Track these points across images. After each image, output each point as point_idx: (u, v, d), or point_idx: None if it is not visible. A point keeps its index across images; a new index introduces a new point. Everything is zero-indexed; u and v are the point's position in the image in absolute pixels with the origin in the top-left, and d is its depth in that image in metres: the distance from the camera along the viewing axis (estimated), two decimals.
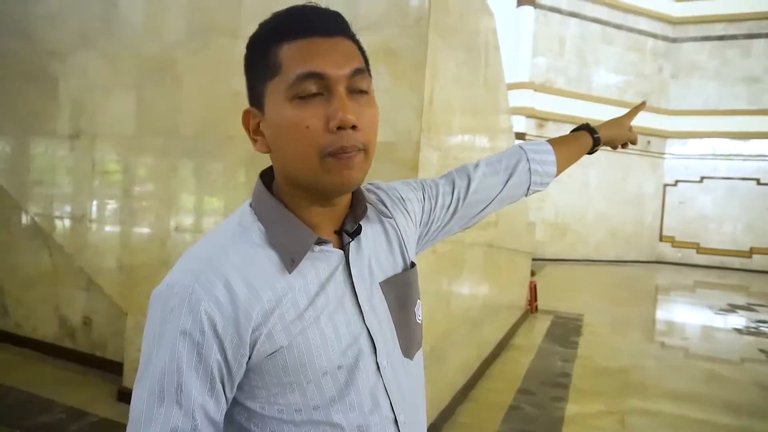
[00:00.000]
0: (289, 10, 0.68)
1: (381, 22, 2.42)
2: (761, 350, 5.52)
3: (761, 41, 14.86)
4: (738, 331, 6.49)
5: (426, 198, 0.91)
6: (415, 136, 2.33)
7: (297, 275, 0.67)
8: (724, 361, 5.09)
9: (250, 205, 0.72)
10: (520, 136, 13.17)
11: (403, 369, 0.75)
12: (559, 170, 1.07)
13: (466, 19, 3.07)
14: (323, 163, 0.65)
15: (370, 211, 0.79)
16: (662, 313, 8.18)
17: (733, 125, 14.91)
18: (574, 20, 14.21)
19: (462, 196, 0.94)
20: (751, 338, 6.08)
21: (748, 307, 8.40)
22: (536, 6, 13.61)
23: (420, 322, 0.82)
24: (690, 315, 7.84)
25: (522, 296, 6.09)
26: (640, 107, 1.24)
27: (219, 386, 0.63)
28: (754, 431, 3.37)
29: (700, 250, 15.17)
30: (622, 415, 3.47)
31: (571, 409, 3.46)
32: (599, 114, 14.11)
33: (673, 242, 15.40)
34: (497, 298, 4.53)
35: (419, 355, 0.81)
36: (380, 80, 2.35)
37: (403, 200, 0.88)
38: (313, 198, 0.70)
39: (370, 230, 0.78)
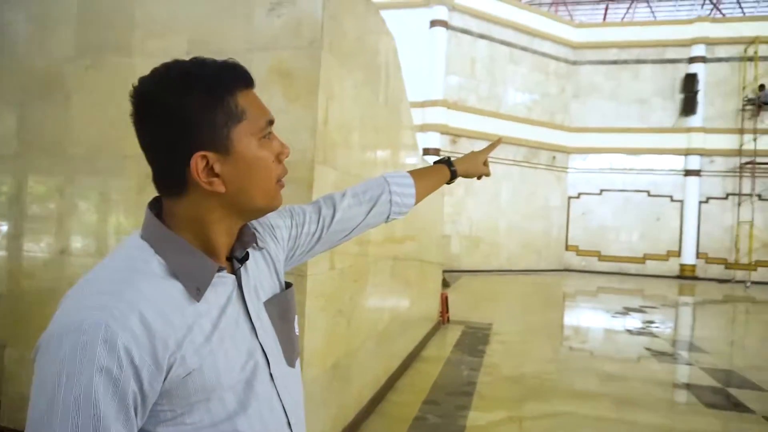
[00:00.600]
0: (227, 63, 0.75)
1: (275, 43, 2.45)
2: (647, 348, 6.01)
3: (648, 66, 16.32)
4: (629, 332, 7.02)
5: (293, 225, 1.00)
6: (310, 155, 2.36)
7: (203, 303, 0.72)
8: (618, 361, 5.49)
9: (142, 238, 0.74)
10: (435, 151, 13.60)
11: (289, 376, 0.84)
12: (417, 200, 1.18)
13: (364, 41, 3.16)
14: (276, 189, 0.79)
15: (250, 239, 0.85)
16: (568, 319, 8.69)
17: (626, 142, 16.22)
18: (483, 42, 14.93)
19: (326, 224, 1.03)
20: (641, 338, 6.60)
21: (640, 310, 9.12)
22: (448, 27, 14.18)
23: (297, 334, 0.92)
24: (592, 319, 8.39)
25: (433, 308, 6.25)
26: (495, 144, 1.37)
27: (132, 415, 0.64)
28: (642, 423, 3.65)
29: (601, 257, 16.28)
30: (521, 420, 3.65)
31: (474, 417, 3.59)
32: (509, 130, 14.89)
33: (578, 251, 16.42)
34: (407, 311, 4.63)
35: (298, 363, 0.91)
36: (276, 102, 2.37)
37: (272, 227, 0.96)
38: (236, 224, 0.80)
39: (252, 256, 0.85)
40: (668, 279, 15.33)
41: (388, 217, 1.14)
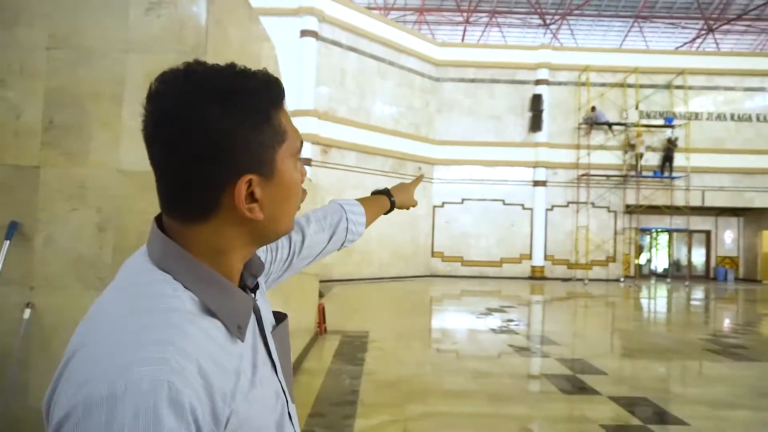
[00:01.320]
0: (265, 74, 0.65)
1: (154, 46, 2.30)
2: (509, 345, 6.55)
3: (501, 86, 17.86)
4: (493, 331, 7.59)
5: (268, 249, 0.95)
6: None
7: (243, 343, 0.63)
8: (485, 358, 5.90)
9: (161, 268, 0.61)
10: (306, 161, 13.54)
11: (294, 413, 0.77)
12: (365, 228, 1.20)
13: (247, 48, 3.08)
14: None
15: (259, 267, 0.76)
16: (437, 322, 9.15)
17: (484, 154, 17.57)
18: (353, 54, 15.25)
19: (297, 250, 1.00)
20: (503, 336, 7.17)
21: (500, 309, 9.90)
22: (318, 38, 14.26)
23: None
24: (459, 321, 8.91)
25: (311, 319, 6.21)
26: (418, 180, 1.45)
27: None
28: (513, 415, 3.96)
29: (464, 262, 17.40)
30: (405, 422, 3.77)
31: (360, 424, 3.63)
32: (378, 142, 15.36)
33: (443, 257, 17.38)
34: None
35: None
36: None
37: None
38: (251, 251, 0.70)
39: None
40: (522, 280, 16.84)
41: (342, 245, 1.14)
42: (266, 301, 0.80)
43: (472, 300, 11.74)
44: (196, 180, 0.60)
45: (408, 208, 1.38)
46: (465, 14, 25.12)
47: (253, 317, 0.68)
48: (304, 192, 0.72)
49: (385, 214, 1.31)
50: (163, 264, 0.62)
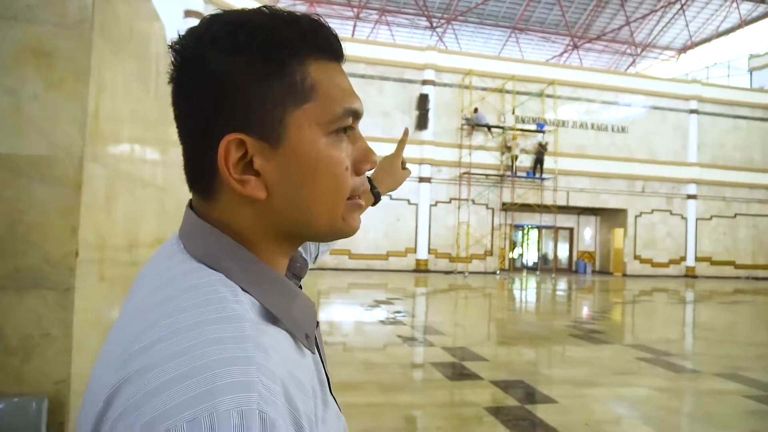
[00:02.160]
0: (312, 19, 0.52)
1: (30, 15, 2.06)
2: (398, 336, 6.77)
3: (390, 83, 18.27)
4: (382, 322, 7.79)
5: (306, 252, 0.87)
6: (77, 151, 2.06)
7: (311, 357, 0.53)
8: (375, 349, 6.04)
9: (207, 265, 0.49)
10: None
11: None
12: None
13: (135, 27, 2.87)
14: (345, 209, 0.53)
15: (303, 268, 0.65)
16: (324, 315, 9.16)
17: (374, 150, 17.83)
18: None
19: (313, 256, 0.94)
20: (391, 327, 7.39)
21: (387, 301, 10.18)
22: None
23: None
24: (346, 313, 9.01)
25: None
26: (404, 138, 1.18)
27: None
28: (403, 403, 4.10)
29: (351, 256, 17.60)
30: None
31: None
32: None
33: (330, 250, 17.43)
34: None
35: None
36: (29, 86, 2.00)
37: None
38: (287, 252, 0.56)
39: None
40: (407, 273, 17.42)
41: (316, 257, 1.01)
42: None
43: (360, 293, 11.92)
44: (189, 137, 0.51)
45: (400, 184, 1.18)
46: (355, 9, 25.31)
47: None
48: (363, 182, 0.55)
49: (372, 206, 1.10)
50: (209, 259, 0.49)
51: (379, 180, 1.12)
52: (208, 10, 13.64)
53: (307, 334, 0.52)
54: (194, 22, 10.25)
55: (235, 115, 0.48)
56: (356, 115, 0.53)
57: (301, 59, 0.50)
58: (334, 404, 0.56)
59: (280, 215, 0.52)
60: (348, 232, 0.55)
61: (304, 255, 0.68)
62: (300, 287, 0.60)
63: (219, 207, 0.51)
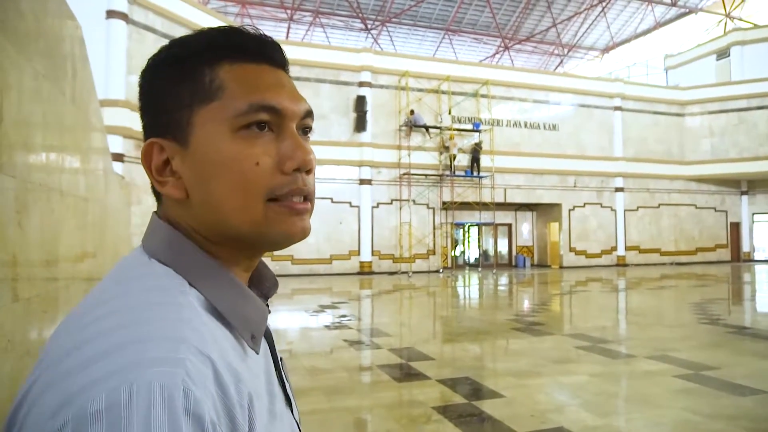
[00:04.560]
0: (233, 28, 0.55)
1: None
2: (344, 340, 6.70)
3: (326, 85, 18.14)
4: (327, 327, 7.69)
5: None
6: None
7: (256, 359, 0.52)
8: (321, 355, 5.93)
9: (159, 260, 0.51)
10: (117, 156, 12.23)
11: None
12: None
13: (44, 24, 2.66)
14: (268, 211, 0.52)
15: (272, 285, 0.64)
16: (269, 322, 8.94)
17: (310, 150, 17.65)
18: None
19: None
20: (336, 331, 7.30)
21: (332, 306, 10.07)
22: (129, 22, 12.96)
23: None
24: (291, 320, 8.84)
25: None
26: None
27: None
28: (349, 407, 4.03)
29: (294, 261, 17.34)
30: None
31: None
32: None
33: (272, 256, 17.09)
34: None
35: None
36: None
37: None
38: (235, 260, 0.55)
39: None
40: (351, 276, 17.34)
41: None
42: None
43: (304, 298, 11.75)
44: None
45: None
46: (289, 11, 25.00)
47: (264, 342, 0.57)
48: (292, 181, 0.53)
49: None
50: (160, 255, 0.52)
51: None
52: (133, 12, 13.05)
53: (253, 335, 0.52)
54: (117, 23, 9.76)
55: (157, 122, 0.54)
56: (272, 110, 0.53)
57: (212, 64, 0.53)
58: (287, 419, 0.56)
59: (200, 215, 0.53)
60: (279, 237, 0.53)
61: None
62: (267, 308, 0.58)
63: (164, 207, 0.55)
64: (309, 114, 0.59)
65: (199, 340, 0.43)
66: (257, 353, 0.52)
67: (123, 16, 12.81)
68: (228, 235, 0.53)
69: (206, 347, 0.43)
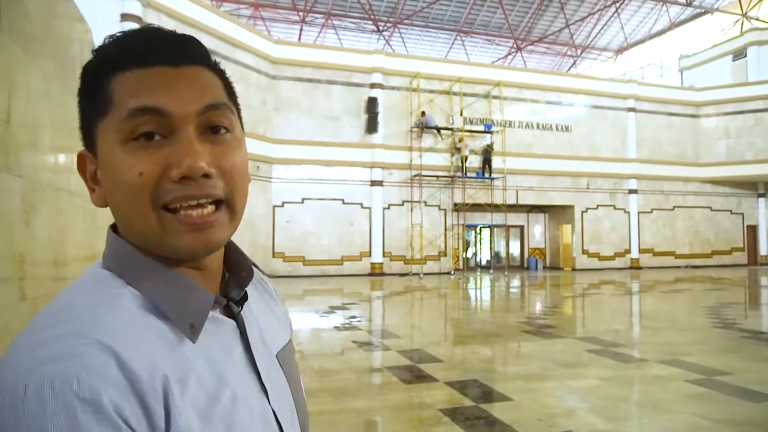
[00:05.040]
0: (128, 33, 0.55)
1: None
2: (353, 341, 6.69)
3: (338, 87, 18.18)
4: (337, 328, 7.69)
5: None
6: None
7: (196, 348, 0.53)
8: (330, 356, 5.94)
9: (105, 268, 0.55)
10: None
11: None
12: None
13: (53, 27, 2.69)
14: (162, 220, 0.52)
15: (248, 274, 0.65)
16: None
17: (323, 154, 17.72)
18: None
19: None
20: (346, 332, 7.30)
21: (343, 307, 10.07)
22: (142, 24, 13.08)
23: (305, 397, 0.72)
24: (302, 321, 8.86)
25: None
26: None
27: None
28: (357, 409, 4.03)
29: (305, 262, 17.38)
30: None
31: None
32: None
33: (284, 257, 17.16)
34: None
35: None
36: None
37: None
38: (177, 259, 0.56)
39: (252, 295, 0.65)
40: (362, 277, 17.34)
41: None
42: (275, 322, 0.70)
43: (315, 299, 11.77)
44: None
45: None
46: (301, 13, 25.10)
47: (231, 331, 0.59)
48: (177, 188, 0.52)
49: None
50: (107, 262, 0.56)
51: None
52: (146, 14, 13.19)
53: (193, 324, 0.53)
54: (131, 25, 9.87)
55: (83, 135, 0.57)
56: (154, 112, 0.52)
57: (109, 74, 0.54)
58: (255, 409, 0.56)
59: (119, 222, 0.56)
60: (180, 250, 0.54)
61: (259, 273, 0.72)
62: (246, 295, 0.62)
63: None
64: (212, 108, 0.55)
65: (105, 334, 0.46)
66: (193, 342, 0.52)
67: (137, 19, 12.95)
68: (143, 241, 0.55)
69: (109, 337, 0.46)
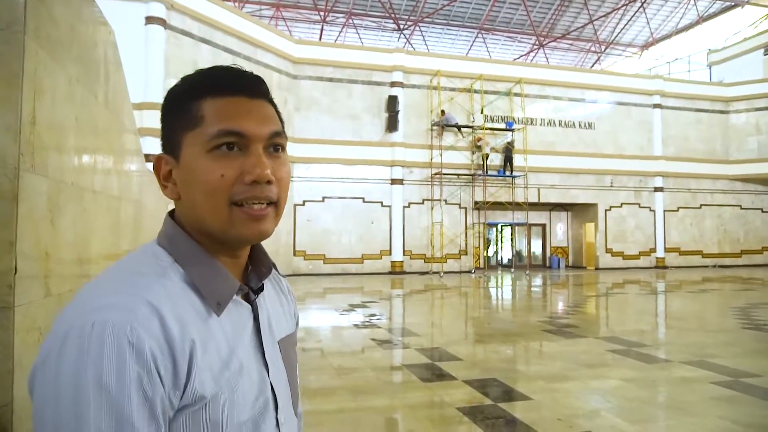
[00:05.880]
0: (217, 68, 0.72)
1: None
2: (372, 339, 6.71)
3: (359, 86, 18.21)
4: (356, 326, 7.72)
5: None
6: (12, 161, 1.95)
7: (219, 322, 0.67)
8: (349, 354, 5.96)
9: (159, 245, 0.71)
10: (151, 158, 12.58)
11: (293, 425, 0.79)
12: None
13: (78, 31, 2.75)
14: (231, 213, 0.68)
15: (267, 269, 0.81)
16: (300, 321, 9.03)
17: (343, 153, 17.78)
18: (206, 46, 14.48)
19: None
20: (366, 330, 7.32)
21: (362, 305, 10.10)
22: (166, 27, 13.31)
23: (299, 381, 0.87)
24: (322, 319, 8.91)
25: None
26: None
27: (163, 428, 0.59)
28: (375, 407, 4.04)
29: (326, 260, 17.47)
30: None
31: None
32: None
33: (305, 255, 17.28)
34: None
35: (300, 413, 0.88)
36: None
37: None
38: (219, 247, 0.72)
39: (267, 288, 0.81)
40: (383, 275, 17.36)
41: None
42: (286, 307, 0.86)
43: (336, 297, 11.82)
44: None
45: None
46: (322, 13, 25.20)
47: (247, 314, 0.73)
48: (247, 189, 0.69)
49: None
50: (161, 241, 0.71)
51: None
52: (170, 17, 13.39)
53: (219, 302, 0.67)
54: (156, 28, 10.01)
55: (164, 141, 0.73)
56: (237, 134, 0.68)
57: (198, 98, 0.70)
58: (254, 382, 0.70)
59: (189, 214, 0.71)
60: (240, 237, 0.70)
61: (278, 272, 0.88)
62: (262, 286, 0.78)
63: (176, 207, 0.74)
64: (276, 134, 0.73)
65: (154, 297, 0.61)
66: (218, 316, 0.67)
67: (161, 22, 13.17)
68: (205, 230, 0.70)
69: (157, 301, 0.61)
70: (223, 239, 0.70)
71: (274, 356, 0.76)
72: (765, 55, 24.46)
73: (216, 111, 0.69)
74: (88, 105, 2.87)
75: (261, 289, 0.78)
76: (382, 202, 18.10)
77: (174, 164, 0.70)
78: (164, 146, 0.72)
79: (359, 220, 17.78)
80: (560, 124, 20.35)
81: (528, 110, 19.79)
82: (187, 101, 0.70)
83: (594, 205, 20.65)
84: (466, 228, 18.91)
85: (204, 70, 0.72)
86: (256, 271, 0.78)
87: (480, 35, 28.48)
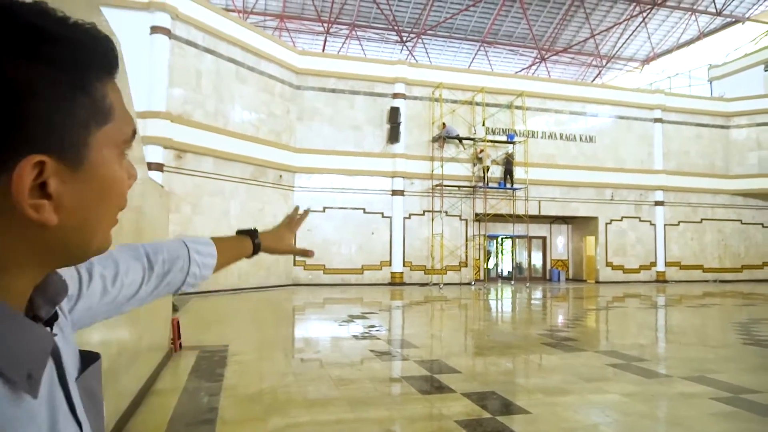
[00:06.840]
0: (99, 32, 0.47)
1: None
2: (371, 350, 6.69)
3: (361, 97, 18.32)
4: (355, 337, 7.70)
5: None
6: None
7: (29, 400, 0.45)
8: (347, 365, 5.94)
9: None
10: (158, 166, 12.64)
11: None
12: (215, 272, 1.03)
13: None
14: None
15: (60, 291, 0.56)
16: (300, 331, 9.04)
17: (344, 164, 17.85)
18: (210, 56, 14.59)
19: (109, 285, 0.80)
20: (365, 342, 7.30)
21: (362, 316, 10.08)
22: (171, 36, 13.42)
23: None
24: (321, 329, 8.90)
25: (164, 336, 5.77)
26: (303, 216, 1.30)
27: None
28: (373, 419, 4.03)
29: (326, 270, 17.46)
30: None
31: None
32: (237, 148, 14.84)
33: (305, 265, 17.27)
34: (136, 344, 4.17)
35: None
36: None
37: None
38: (44, 272, 0.50)
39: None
40: (382, 286, 17.34)
41: (179, 288, 0.94)
42: (70, 339, 0.59)
43: (335, 308, 11.80)
44: None
45: (281, 253, 1.22)
46: (325, 25, 25.40)
47: (51, 362, 0.50)
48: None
49: (248, 257, 1.13)
50: None
51: (265, 238, 1.15)
52: (175, 27, 13.51)
53: (30, 374, 0.44)
54: (161, 38, 10.09)
55: (36, 134, 0.43)
56: (134, 134, 0.53)
57: (100, 78, 0.48)
58: None
59: (66, 238, 0.48)
60: (101, 251, 0.52)
61: (71, 278, 0.66)
62: (56, 315, 0.54)
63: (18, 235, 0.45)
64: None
65: None
66: (34, 398, 0.45)
67: (166, 32, 13.29)
68: (82, 255, 0.51)
69: None
70: (81, 258, 0.52)
71: (80, 406, 0.54)
72: (765, 70, 24.60)
73: (119, 102, 0.50)
74: None
75: (55, 318, 0.53)
76: (382, 213, 18.12)
77: (62, 171, 0.45)
78: (35, 142, 0.43)
79: (360, 231, 17.79)
80: (561, 138, 20.43)
81: (529, 123, 19.88)
82: (92, 81, 0.47)
83: (594, 219, 20.67)
84: (466, 240, 18.92)
85: (91, 31, 0.47)
86: (44, 295, 0.52)
87: (482, 48, 28.68)
